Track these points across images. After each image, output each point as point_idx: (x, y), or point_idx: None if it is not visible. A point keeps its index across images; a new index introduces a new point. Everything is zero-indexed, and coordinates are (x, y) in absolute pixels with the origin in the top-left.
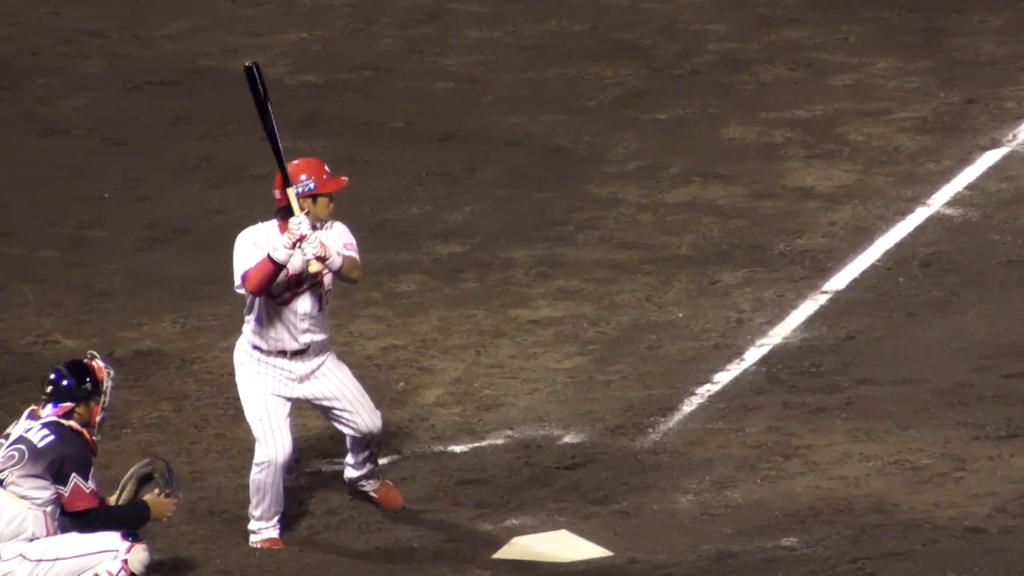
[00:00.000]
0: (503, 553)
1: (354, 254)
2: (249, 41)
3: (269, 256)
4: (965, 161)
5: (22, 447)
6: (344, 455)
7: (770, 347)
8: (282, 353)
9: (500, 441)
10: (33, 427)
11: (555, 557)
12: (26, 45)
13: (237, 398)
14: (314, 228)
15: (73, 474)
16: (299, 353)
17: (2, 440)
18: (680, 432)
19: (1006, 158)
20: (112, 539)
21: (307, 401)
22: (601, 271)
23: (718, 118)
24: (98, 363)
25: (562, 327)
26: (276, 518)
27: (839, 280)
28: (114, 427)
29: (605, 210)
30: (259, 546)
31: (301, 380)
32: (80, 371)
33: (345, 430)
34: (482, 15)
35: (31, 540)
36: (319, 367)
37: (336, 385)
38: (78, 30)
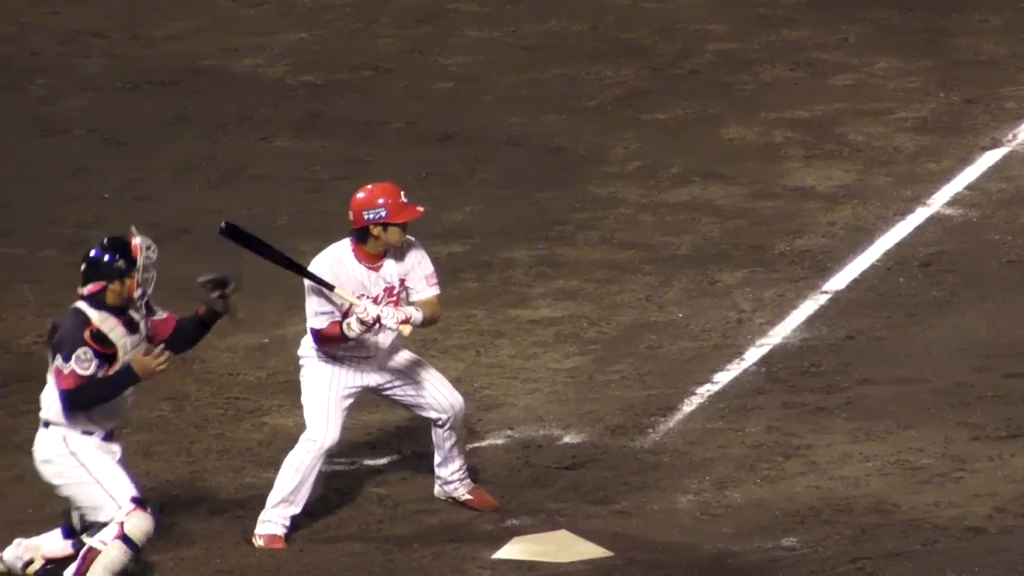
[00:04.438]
0: (503, 553)
1: (435, 290)
2: (249, 41)
3: (342, 332)
4: (965, 161)
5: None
6: (341, 456)
7: (770, 347)
8: (354, 359)
9: (500, 441)
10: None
11: (555, 557)
12: (26, 45)
13: (237, 398)
14: (383, 256)
15: (57, 355)
16: (371, 357)
17: None
18: (680, 432)
19: (1006, 158)
20: (124, 493)
21: (381, 389)
22: (601, 271)
23: (718, 118)
24: (136, 240)
25: (562, 327)
26: (289, 515)
27: (839, 280)
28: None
29: (605, 210)
30: (260, 541)
31: (375, 370)
32: (114, 248)
33: (427, 412)
34: (482, 15)
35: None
36: (392, 358)
37: (409, 366)
38: (78, 30)
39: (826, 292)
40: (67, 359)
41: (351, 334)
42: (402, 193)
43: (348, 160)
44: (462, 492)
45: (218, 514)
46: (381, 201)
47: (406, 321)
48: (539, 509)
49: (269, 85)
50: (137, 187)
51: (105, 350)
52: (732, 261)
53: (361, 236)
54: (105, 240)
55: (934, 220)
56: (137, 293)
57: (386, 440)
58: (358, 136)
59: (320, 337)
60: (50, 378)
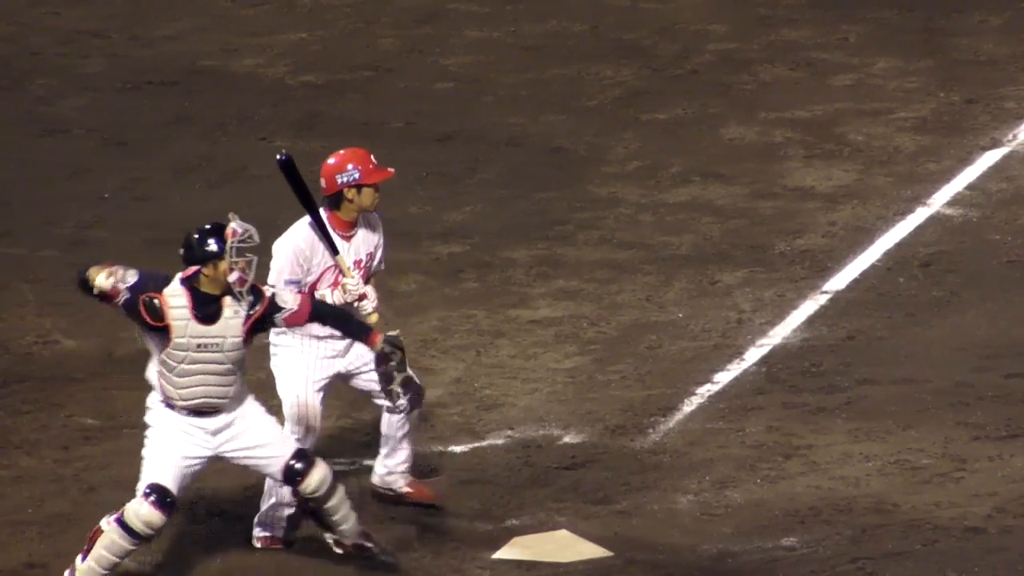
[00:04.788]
0: (503, 553)
1: (382, 267)
2: (249, 41)
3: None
4: (965, 161)
5: None
6: (341, 456)
7: (770, 347)
8: (324, 340)
9: (500, 441)
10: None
11: (555, 557)
12: (26, 45)
13: None
14: (354, 226)
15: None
16: (339, 339)
17: None
18: (680, 432)
19: (1006, 158)
20: (149, 478)
21: (349, 375)
22: (601, 271)
23: (718, 118)
24: (232, 225)
25: (562, 327)
26: (284, 516)
27: (839, 280)
28: (114, 427)
29: (605, 210)
30: (258, 544)
31: (343, 354)
32: (206, 233)
33: (385, 401)
34: (482, 15)
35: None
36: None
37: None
38: (78, 30)
39: (826, 292)
40: (134, 288)
41: (333, 300)
42: (372, 156)
43: None
44: (401, 484)
45: (218, 514)
46: (352, 164)
47: (376, 310)
48: (539, 509)
49: (269, 85)
50: (137, 187)
51: (153, 321)
52: (732, 261)
53: (335, 202)
54: (202, 226)
55: (934, 220)
56: (232, 278)
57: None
58: (358, 136)
59: (289, 320)
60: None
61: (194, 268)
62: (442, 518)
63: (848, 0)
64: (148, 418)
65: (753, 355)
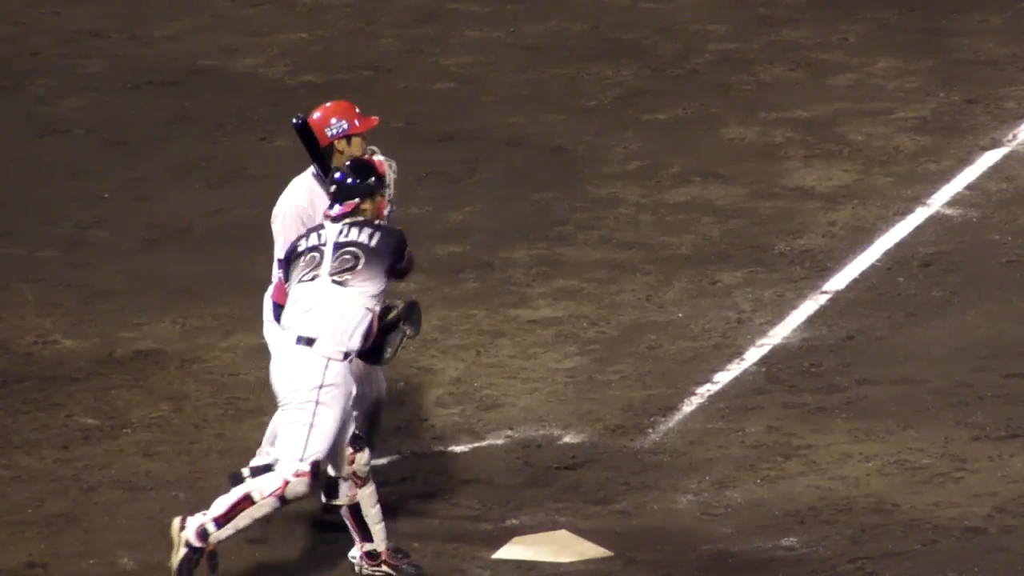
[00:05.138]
0: (503, 553)
1: None
2: (249, 41)
3: None
4: (965, 161)
5: (354, 250)
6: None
7: (770, 347)
8: None
9: (500, 441)
10: (343, 230)
11: (555, 557)
12: (26, 45)
13: (237, 398)
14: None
15: (406, 250)
16: None
17: (309, 250)
18: (680, 432)
19: (1006, 158)
20: (313, 453)
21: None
22: (601, 271)
23: (718, 118)
24: (378, 158)
25: (562, 327)
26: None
27: (839, 280)
28: (114, 427)
29: (605, 210)
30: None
31: None
32: (361, 168)
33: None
34: (482, 15)
35: (345, 353)
36: None
37: None
38: (78, 30)
39: (826, 292)
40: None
41: None
42: (356, 108)
43: None
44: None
45: None
46: (339, 117)
47: None
48: (539, 509)
49: (269, 85)
50: (137, 187)
51: None
52: (732, 261)
53: (326, 155)
54: (348, 164)
55: (934, 220)
56: (386, 211)
57: (386, 440)
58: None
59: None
60: (329, 294)
61: (351, 204)
62: (442, 518)
63: (848, 0)
64: (329, 376)
65: (753, 355)
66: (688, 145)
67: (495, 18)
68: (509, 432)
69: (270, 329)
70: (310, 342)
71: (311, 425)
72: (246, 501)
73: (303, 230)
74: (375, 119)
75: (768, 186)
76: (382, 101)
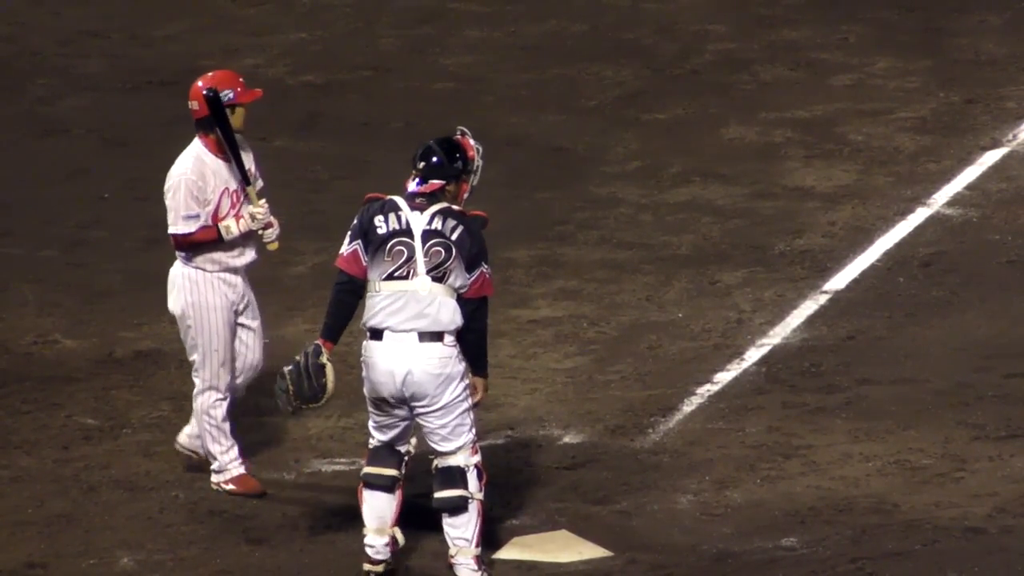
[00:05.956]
0: (503, 553)
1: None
2: (249, 41)
3: (219, 233)
4: (965, 161)
5: (444, 241)
6: (341, 456)
7: (770, 347)
8: (228, 269)
9: (500, 441)
10: (426, 219)
11: (555, 557)
12: (26, 45)
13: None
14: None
15: (482, 262)
16: (237, 270)
17: (392, 236)
18: (680, 432)
19: (1006, 158)
20: (470, 434)
21: (236, 315)
22: (601, 271)
23: (718, 118)
24: (469, 140)
25: (562, 327)
26: (235, 455)
27: (839, 280)
28: (114, 427)
29: (605, 210)
30: (231, 486)
31: (235, 289)
32: (451, 148)
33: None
34: (482, 15)
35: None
36: (246, 289)
37: (254, 311)
38: (78, 30)
39: (826, 292)
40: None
41: (229, 237)
42: (240, 78)
43: (348, 160)
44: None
45: (218, 514)
46: (224, 87)
47: (278, 238)
48: (539, 509)
49: (269, 85)
50: (137, 187)
51: None
52: (732, 261)
53: (209, 125)
54: (437, 141)
55: (934, 220)
56: (465, 195)
57: None
58: (358, 136)
59: (189, 243)
60: (433, 291)
61: (436, 184)
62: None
63: (848, 0)
64: (462, 363)
65: (753, 355)
66: (688, 145)
67: (495, 18)
68: (509, 432)
69: (177, 299)
70: (437, 337)
71: (469, 410)
72: (480, 510)
73: (194, 205)
74: (259, 92)
75: (768, 186)
76: (382, 101)
